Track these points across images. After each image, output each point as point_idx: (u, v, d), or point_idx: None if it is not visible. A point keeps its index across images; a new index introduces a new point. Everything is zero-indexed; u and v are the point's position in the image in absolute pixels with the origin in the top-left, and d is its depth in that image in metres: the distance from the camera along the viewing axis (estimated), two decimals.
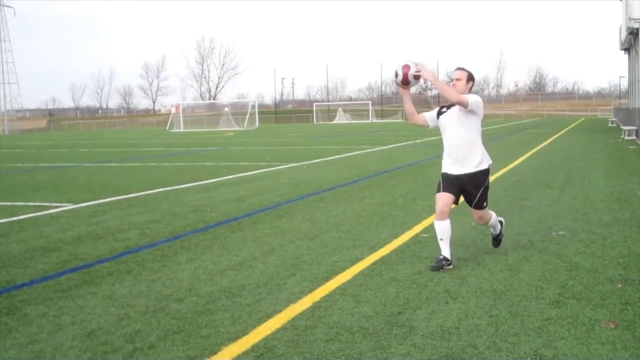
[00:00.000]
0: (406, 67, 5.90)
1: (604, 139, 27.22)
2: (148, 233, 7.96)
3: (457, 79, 5.99)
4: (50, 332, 4.49)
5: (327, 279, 5.64)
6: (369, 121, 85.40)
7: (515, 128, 46.88)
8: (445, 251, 5.97)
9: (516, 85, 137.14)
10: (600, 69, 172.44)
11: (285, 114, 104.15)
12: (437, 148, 24.03)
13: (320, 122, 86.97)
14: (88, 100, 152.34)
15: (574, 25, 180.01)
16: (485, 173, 6.12)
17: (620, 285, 5.27)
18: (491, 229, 6.62)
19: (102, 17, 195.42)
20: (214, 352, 4.07)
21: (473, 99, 5.91)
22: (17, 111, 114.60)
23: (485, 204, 6.18)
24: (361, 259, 6.36)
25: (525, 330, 4.30)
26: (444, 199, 6.01)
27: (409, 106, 6.19)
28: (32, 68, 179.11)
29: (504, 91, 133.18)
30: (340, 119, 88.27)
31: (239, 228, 8.19)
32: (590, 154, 19.00)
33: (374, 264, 6.18)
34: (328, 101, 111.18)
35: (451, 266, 5.94)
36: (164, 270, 6.12)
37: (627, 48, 40.52)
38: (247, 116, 70.92)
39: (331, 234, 7.63)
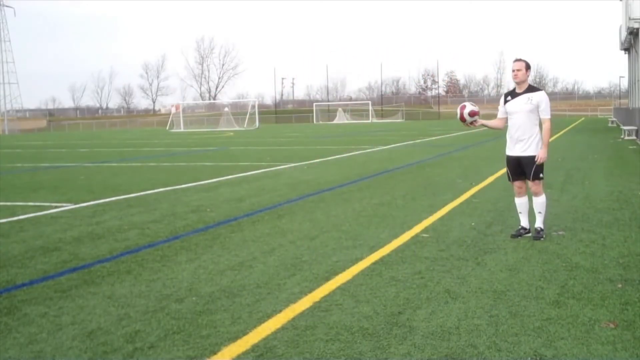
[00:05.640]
0: (462, 107, 7.17)
1: (604, 139, 27.22)
2: (148, 233, 7.97)
3: (517, 70, 6.98)
4: (50, 332, 4.49)
5: (327, 279, 5.64)
6: (369, 121, 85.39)
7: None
8: (524, 222, 7.22)
9: None
10: (600, 69, 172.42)
11: (285, 114, 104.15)
12: (437, 148, 24.07)
13: (320, 122, 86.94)
14: (88, 100, 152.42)
15: (574, 25, 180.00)
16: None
17: (620, 285, 5.27)
18: (536, 217, 7.18)
19: (102, 17, 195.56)
20: (214, 352, 4.07)
21: (549, 111, 7.02)
22: (17, 111, 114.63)
23: (541, 175, 7.11)
24: (361, 259, 6.36)
25: (525, 330, 4.30)
26: (517, 185, 7.28)
27: (490, 125, 7.38)
28: (32, 68, 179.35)
29: (504, 91, 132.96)
30: (341, 119, 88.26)
31: (239, 228, 8.19)
32: (590, 154, 19.00)
33: (374, 264, 6.18)
34: (328, 101, 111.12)
35: (530, 234, 7.14)
36: (164, 270, 6.12)
37: (627, 48, 40.49)
38: (247, 116, 70.91)
39: (331, 234, 7.63)
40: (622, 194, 10.31)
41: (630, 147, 21.86)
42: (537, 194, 7.16)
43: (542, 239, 7.02)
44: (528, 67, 7.00)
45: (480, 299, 4.98)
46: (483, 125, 7.32)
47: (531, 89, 7.07)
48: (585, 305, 4.78)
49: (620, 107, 55.84)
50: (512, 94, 7.16)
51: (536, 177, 7.06)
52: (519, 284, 5.37)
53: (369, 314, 4.69)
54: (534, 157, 7.01)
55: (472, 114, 7.11)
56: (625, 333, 4.22)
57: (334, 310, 4.79)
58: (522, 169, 7.14)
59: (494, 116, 7.65)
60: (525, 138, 7.02)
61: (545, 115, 7.00)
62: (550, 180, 12.37)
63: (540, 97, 6.98)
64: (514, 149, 7.14)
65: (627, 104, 45.96)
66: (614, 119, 49.17)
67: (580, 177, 12.89)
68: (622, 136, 27.74)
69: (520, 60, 7.02)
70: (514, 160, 7.17)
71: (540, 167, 7.06)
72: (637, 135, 26.40)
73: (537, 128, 7.06)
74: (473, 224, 8.03)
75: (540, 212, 7.15)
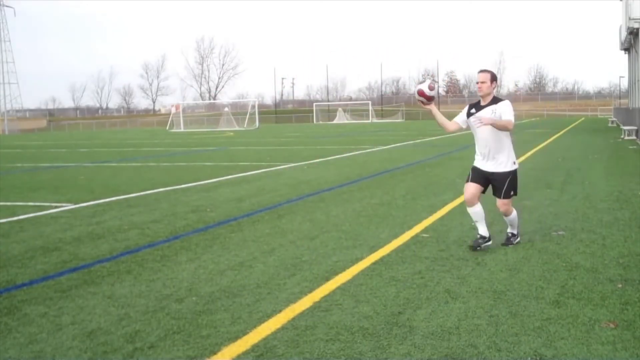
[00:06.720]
0: (424, 85, 6.63)
1: (604, 139, 27.22)
2: (148, 233, 7.97)
3: (482, 82, 6.52)
4: (50, 332, 4.49)
5: (327, 279, 5.65)
6: (369, 121, 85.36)
7: (515, 128, 46.89)
8: (482, 230, 6.63)
9: (516, 85, 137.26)
10: (600, 69, 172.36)
11: (285, 114, 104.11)
12: (437, 148, 24.07)
13: (320, 122, 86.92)
14: (88, 100, 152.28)
15: (574, 25, 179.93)
16: (508, 174, 6.65)
17: (620, 285, 5.27)
18: (509, 226, 6.96)
19: (102, 17, 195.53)
20: (214, 352, 4.07)
21: (512, 114, 6.54)
22: (17, 111, 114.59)
23: (512, 192, 6.70)
24: (361, 259, 6.37)
25: (525, 330, 4.30)
26: (470, 188, 6.68)
27: (439, 119, 6.75)
28: (32, 68, 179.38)
29: (504, 91, 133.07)
30: (340, 119, 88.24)
31: (239, 228, 8.19)
32: (590, 154, 19.00)
33: (374, 264, 6.18)
34: (328, 101, 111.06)
35: (490, 242, 6.66)
36: (164, 270, 6.12)
37: (627, 48, 40.49)
38: (247, 116, 70.87)
39: (331, 234, 7.63)
40: (622, 194, 10.31)
41: (630, 147, 21.85)
42: (506, 214, 6.74)
43: (511, 245, 6.77)
44: (494, 78, 6.53)
45: (480, 299, 4.98)
46: (434, 114, 6.73)
47: (495, 100, 6.60)
48: (585, 305, 4.78)
49: (620, 107, 55.83)
50: (477, 106, 6.65)
51: (507, 196, 6.62)
52: (519, 284, 5.37)
53: (369, 314, 4.69)
54: (507, 173, 6.60)
55: (431, 87, 6.54)
56: (625, 333, 4.22)
57: (334, 310, 4.79)
58: (489, 182, 6.70)
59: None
60: (497, 156, 6.58)
61: (509, 117, 6.48)
62: (550, 180, 12.39)
63: (504, 106, 6.52)
64: (486, 165, 6.66)
65: (627, 104, 45.95)
66: (614, 119, 49.17)
67: (580, 177, 12.90)
68: (622, 136, 27.74)
69: (485, 71, 6.57)
70: (482, 173, 6.68)
71: (512, 184, 6.64)
72: (637, 135, 26.40)
73: (507, 141, 6.62)
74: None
75: (512, 225, 6.87)
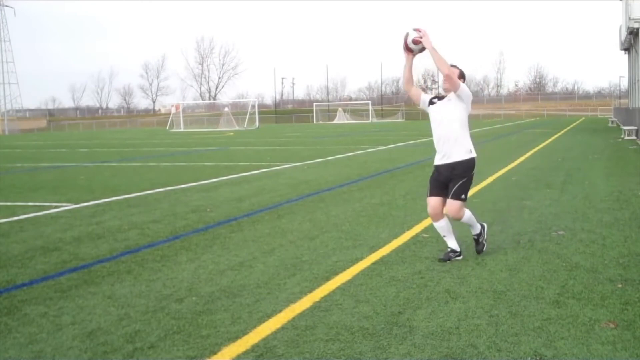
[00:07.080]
0: (413, 34, 6.24)
1: (604, 139, 27.21)
2: (148, 233, 7.97)
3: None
4: (50, 332, 4.49)
5: (327, 279, 5.65)
6: (369, 121, 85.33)
7: (515, 128, 46.88)
8: (452, 244, 6.28)
9: (516, 85, 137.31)
10: (600, 69, 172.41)
11: (285, 114, 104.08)
12: None
13: (320, 122, 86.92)
14: (88, 100, 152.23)
15: (574, 25, 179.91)
16: (468, 164, 6.22)
17: (620, 285, 5.27)
18: (470, 229, 6.51)
19: (102, 17, 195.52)
20: (214, 352, 4.07)
21: (463, 86, 6.17)
22: (17, 111, 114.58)
23: (463, 196, 6.21)
24: (361, 259, 6.37)
25: (525, 330, 4.30)
26: (432, 202, 6.30)
27: (408, 73, 6.41)
28: (32, 68, 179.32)
29: (504, 91, 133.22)
30: (340, 119, 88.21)
31: (239, 228, 8.19)
32: (590, 154, 19.00)
33: (374, 264, 6.18)
34: (328, 101, 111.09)
35: (461, 257, 6.27)
36: (164, 270, 6.12)
37: (627, 48, 40.49)
38: (247, 116, 70.84)
39: (331, 234, 7.63)
40: (622, 194, 10.30)
41: (630, 147, 21.85)
42: (458, 219, 6.27)
43: (485, 247, 6.44)
44: (461, 75, 6.19)
45: (480, 299, 4.98)
46: (406, 66, 6.36)
47: None
48: (585, 305, 4.78)
49: (620, 107, 55.82)
50: (439, 97, 6.39)
51: (457, 197, 6.15)
52: (519, 284, 5.37)
53: (369, 314, 4.69)
54: (461, 163, 6.19)
55: (416, 42, 6.17)
56: (625, 333, 4.22)
57: (334, 310, 4.79)
58: (447, 187, 6.25)
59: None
60: (453, 149, 6.23)
61: (460, 85, 6.13)
62: (550, 180, 12.39)
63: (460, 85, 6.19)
64: (442, 160, 6.32)
65: (627, 104, 45.95)
66: (614, 119, 49.18)
67: (580, 177, 12.89)
68: (622, 136, 27.74)
69: (455, 66, 6.22)
70: (439, 176, 6.34)
71: (464, 187, 6.21)
72: (637, 135, 26.40)
73: (464, 134, 6.25)
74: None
75: (470, 225, 6.41)
